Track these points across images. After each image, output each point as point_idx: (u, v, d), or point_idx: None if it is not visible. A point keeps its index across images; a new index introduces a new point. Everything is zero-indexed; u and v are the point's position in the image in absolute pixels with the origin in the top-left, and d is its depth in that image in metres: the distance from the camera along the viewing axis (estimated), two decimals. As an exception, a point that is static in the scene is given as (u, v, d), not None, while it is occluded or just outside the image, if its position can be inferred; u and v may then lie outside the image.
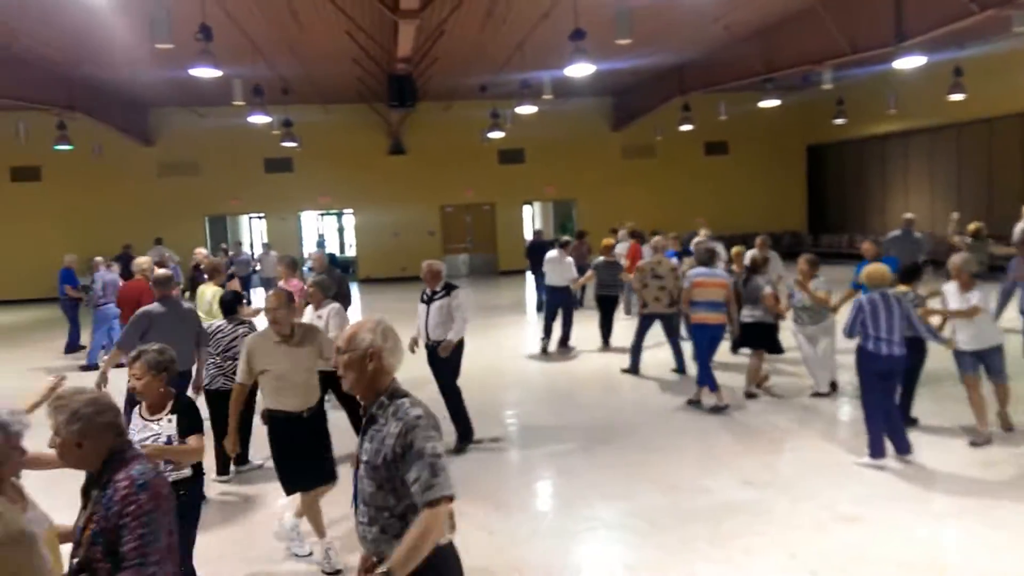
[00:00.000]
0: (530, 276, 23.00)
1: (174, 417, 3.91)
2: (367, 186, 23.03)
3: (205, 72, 10.58)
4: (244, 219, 27.18)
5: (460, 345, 7.17)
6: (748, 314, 8.38)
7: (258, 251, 22.25)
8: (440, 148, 23.04)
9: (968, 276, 6.69)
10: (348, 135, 22.48)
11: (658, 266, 9.64)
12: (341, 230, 27.86)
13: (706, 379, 8.12)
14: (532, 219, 30.58)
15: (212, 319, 7.30)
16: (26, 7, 11.27)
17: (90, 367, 11.38)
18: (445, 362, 7.08)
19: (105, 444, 2.53)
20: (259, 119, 16.60)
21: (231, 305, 6.75)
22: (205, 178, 22.39)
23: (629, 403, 8.76)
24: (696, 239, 11.57)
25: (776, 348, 8.55)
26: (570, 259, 11.79)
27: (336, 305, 7.03)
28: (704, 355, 8.15)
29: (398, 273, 22.55)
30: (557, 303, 11.60)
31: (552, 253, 11.78)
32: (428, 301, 7.08)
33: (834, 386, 8.46)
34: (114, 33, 12.98)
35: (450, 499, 2.56)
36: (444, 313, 6.99)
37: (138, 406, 4.02)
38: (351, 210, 24.60)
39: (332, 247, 27.60)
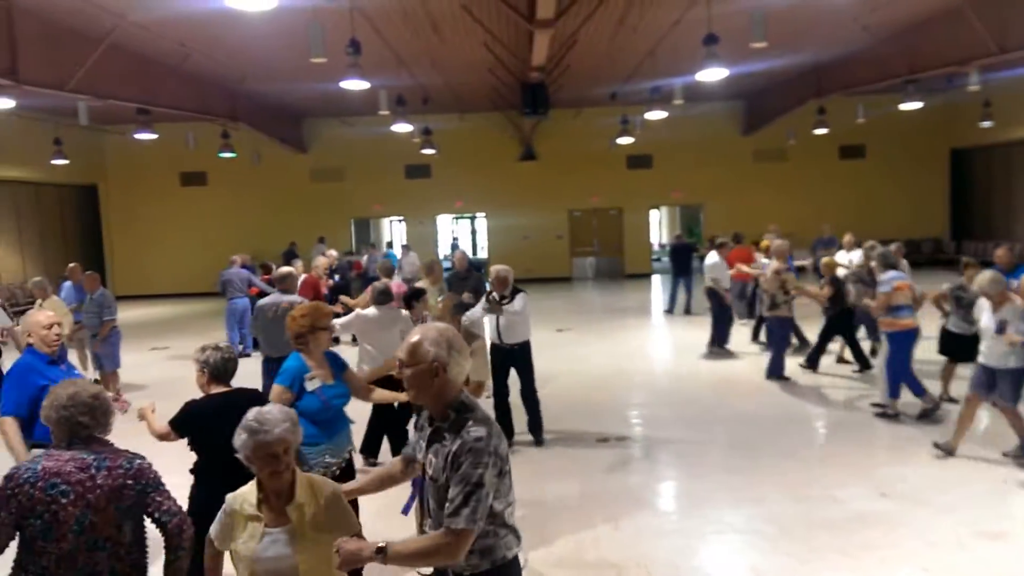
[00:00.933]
0: (656, 279, 23.03)
1: None
2: (499, 191, 23.73)
3: (354, 84, 11.27)
4: (385, 222, 28.57)
5: (528, 347, 7.49)
6: (954, 324, 7.97)
7: (398, 252, 23.25)
8: (569, 154, 23.40)
9: (999, 294, 6.35)
10: (482, 142, 23.25)
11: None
12: (474, 233, 28.75)
13: (916, 385, 7.85)
14: (659, 223, 30.38)
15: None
16: (198, 27, 12.40)
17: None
18: (520, 365, 7.46)
19: (62, 434, 2.89)
20: (401, 128, 17.51)
21: (410, 300, 7.30)
22: (351, 183, 23.81)
23: (759, 406, 8.70)
24: (867, 247, 11.25)
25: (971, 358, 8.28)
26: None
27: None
28: (907, 361, 7.80)
29: (525, 274, 23.06)
30: (721, 304, 11.72)
31: (713, 257, 11.91)
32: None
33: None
34: (274, 50, 14.12)
35: (470, 533, 2.48)
36: (512, 316, 7.28)
37: None
38: (484, 214, 25.40)
39: (465, 249, 28.54)
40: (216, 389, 3.96)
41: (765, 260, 11.65)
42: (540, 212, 23.90)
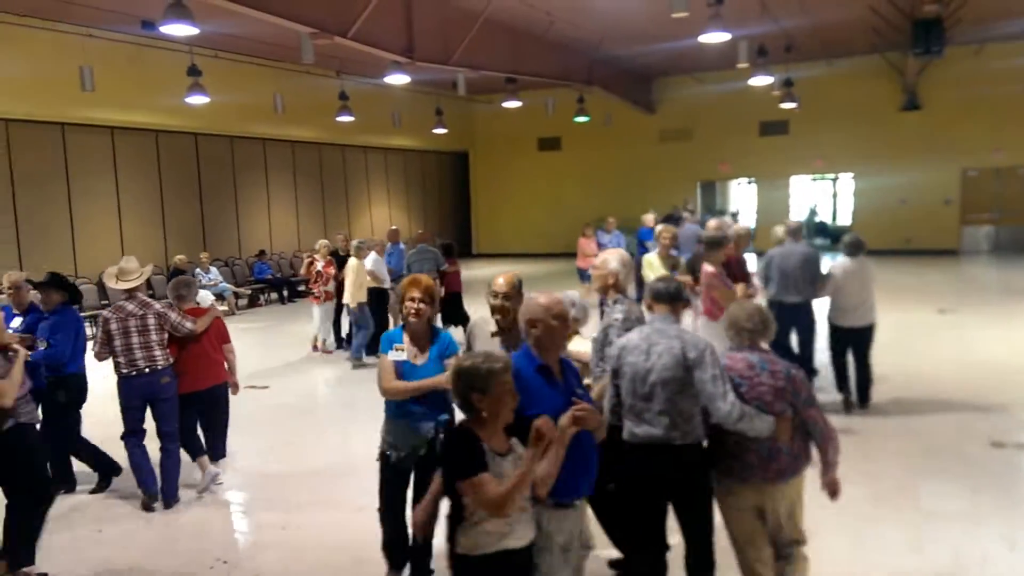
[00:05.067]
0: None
1: None
2: (871, 147, 20.97)
3: (715, 37, 10.67)
4: (733, 184, 27.28)
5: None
6: None
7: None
8: (966, 100, 19.71)
9: None
10: (852, 91, 20.67)
11: None
12: (835, 196, 26.06)
13: None
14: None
15: None
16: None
17: None
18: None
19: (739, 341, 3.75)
20: (759, 80, 16.27)
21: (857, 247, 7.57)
22: (698, 143, 23.01)
23: None
24: None
25: None
26: None
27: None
28: None
29: (901, 245, 20.23)
30: None
31: None
32: None
33: None
34: (632, 11, 14.01)
35: None
36: None
37: None
38: (851, 174, 22.78)
39: (825, 215, 26.01)
40: None
41: None
42: (923, 171, 20.61)
